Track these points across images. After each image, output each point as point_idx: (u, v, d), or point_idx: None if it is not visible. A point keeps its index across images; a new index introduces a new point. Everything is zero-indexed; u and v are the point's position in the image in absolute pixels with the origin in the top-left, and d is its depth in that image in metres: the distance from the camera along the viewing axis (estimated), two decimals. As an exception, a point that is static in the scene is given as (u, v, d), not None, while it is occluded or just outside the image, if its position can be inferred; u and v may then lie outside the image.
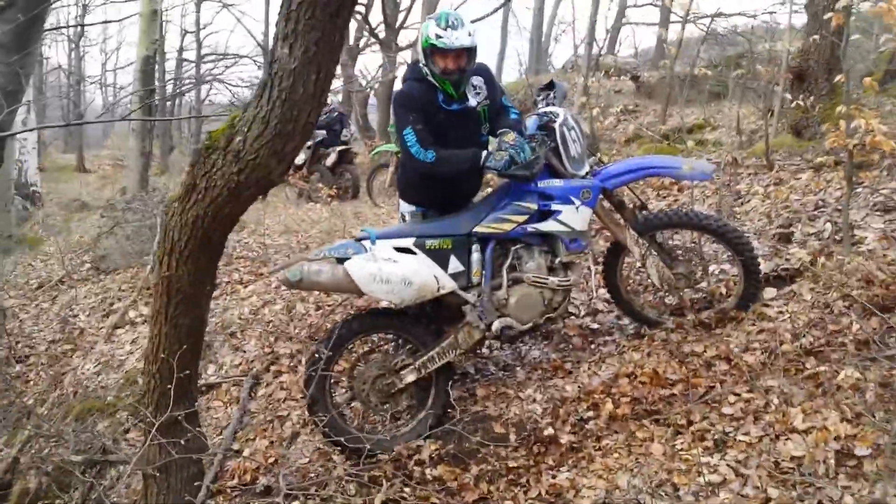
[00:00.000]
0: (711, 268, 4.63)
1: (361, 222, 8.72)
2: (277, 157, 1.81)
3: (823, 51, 6.28)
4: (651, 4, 17.91)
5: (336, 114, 12.11)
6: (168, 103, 21.85)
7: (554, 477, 3.39)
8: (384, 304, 4.15)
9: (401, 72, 19.21)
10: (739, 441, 3.23)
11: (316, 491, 3.61)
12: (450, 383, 4.00)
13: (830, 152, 5.14)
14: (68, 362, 5.83)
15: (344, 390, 4.24)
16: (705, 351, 3.97)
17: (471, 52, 3.87)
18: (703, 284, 4.36)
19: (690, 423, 3.46)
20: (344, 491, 3.58)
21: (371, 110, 19.50)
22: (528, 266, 3.99)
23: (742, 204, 5.68)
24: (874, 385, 3.19)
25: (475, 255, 3.93)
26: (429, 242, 3.87)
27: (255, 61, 25.56)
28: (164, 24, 20.70)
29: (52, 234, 9.20)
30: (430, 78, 3.90)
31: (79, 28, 24.12)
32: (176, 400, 2.17)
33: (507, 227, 3.92)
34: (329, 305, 5.60)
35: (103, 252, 7.70)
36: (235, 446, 4.33)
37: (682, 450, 3.32)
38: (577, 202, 3.92)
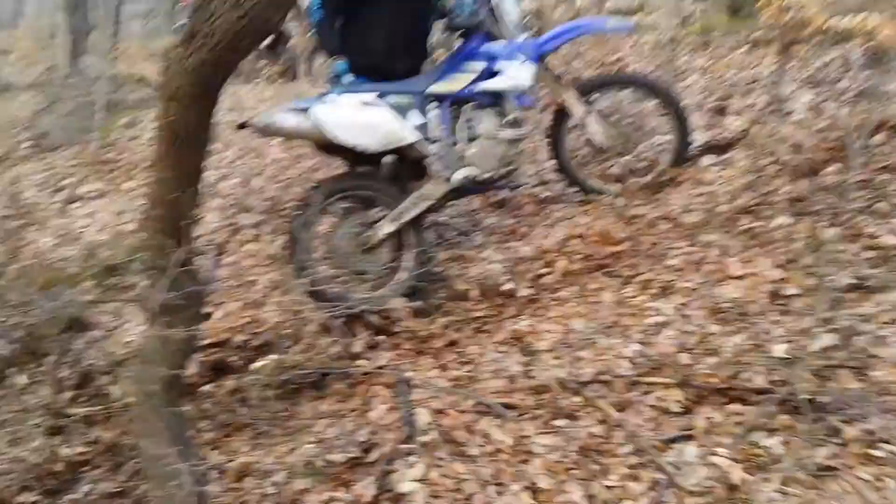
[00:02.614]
0: (654, 139, 4.94)
1: (305, 102, 8.68)
2: (276, 4, 1.93)
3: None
4: None
5: None
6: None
7: (515, 324, 3.70)
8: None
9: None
10: (682, 287, 3.58)
11: (291, 345, 3.86)
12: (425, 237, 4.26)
13: (766, 29, 5.39)
14: (23, 237, 5.82)
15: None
16: (648, 213, 4.30)
17: None
18: (642, 148, 4.67)
19: (637, 274, 3.80)
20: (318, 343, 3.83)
21: (304, -11, 18.88)
22: (479, 123, 4.20)
23: (682, 80, 5.94)
24: (803, 235, 3.55)
25: (432, 113, 4.13)
26: (390, 98, 4.03)
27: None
28: None
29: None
30: None
31: None
32: (179, 242, 2.33)
33: (458, 85, 4.14)
34: (287, 178, 5.72)
35: (44, 129, 7.53)
36: (208, 309, 4.51)
37: (630, 297, 3.66)
38: (521, 58, 4.16)
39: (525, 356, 3.45)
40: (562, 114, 4.57)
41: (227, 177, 5.96)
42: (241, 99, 8.60)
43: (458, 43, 4.35)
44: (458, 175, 4.16)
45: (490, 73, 4.16)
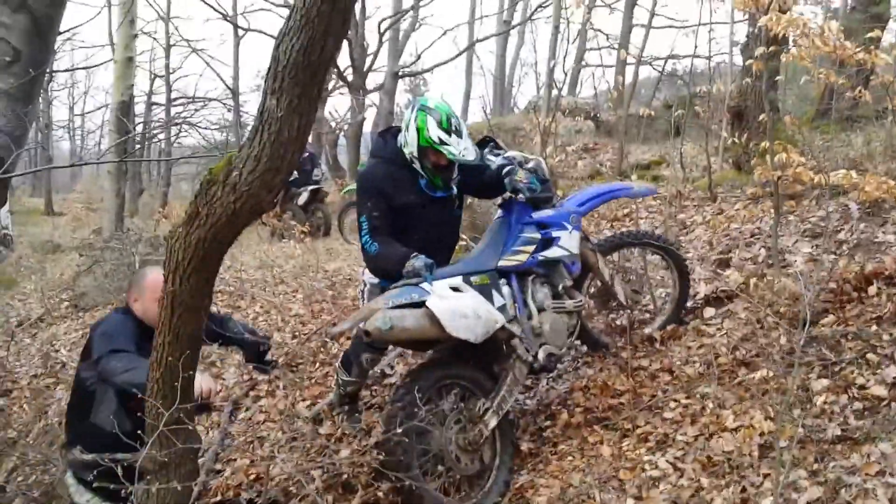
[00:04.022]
0: (658, 291, 5.12)
1: (333, 258, 9.06)
2: (267, 188, 2.18)
3: (759, 91, 6.81)
4: (609, 47, 18.68)
5: (307, 154, 12.16)
6: (138, 147, 22.09)
7: (515, 479, 3.73)
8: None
9: (370, 114, 19.79)
10: (678, 440, 3.61)
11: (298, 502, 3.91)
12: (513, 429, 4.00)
13: (761, 184, 5.62)
14: (52, 395, 6.03)
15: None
16: (651, 364, 4.38)
17: None
18: (648, 303, 4.81)
19: (636, 427, 3.84)
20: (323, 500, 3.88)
21: (340, 151, 20.00)
22: (539, 296, 4.08)
23: (687, 233, 6.15)
24: (795, 387, 3.59)
25: (505, 289, 3.96)
26: (473, 279, 3.83)
27: (224, 104, 25.95)
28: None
29: (29, 274, 9.41)
30: (417, 167, 3.93)
31: (48, 74, 24.24)
32: (177, 401, 2.49)
33: (523, 258, 4.03)
34: (304, 334, 5.92)
35: (82, 290, 7.94)
36: (217, 466, 4.60)
37: (627, 450, 3.69)
38: (570, 227, 4.15)
39: (523, 512, 3.47)
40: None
41: (248, 333, 6.18)
42: (271, 256, 9.03)
43: (498, 212, 4.31)
44: (541, 354, 3.96)
45: (545, 242, 4.09)
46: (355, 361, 4.31)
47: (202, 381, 3.02)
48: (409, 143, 3.90)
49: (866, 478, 2.90)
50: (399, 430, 3.31)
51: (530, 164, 4.18)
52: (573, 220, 4.19)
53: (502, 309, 3.84)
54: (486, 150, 4.39)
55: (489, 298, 3.80)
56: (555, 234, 4.10)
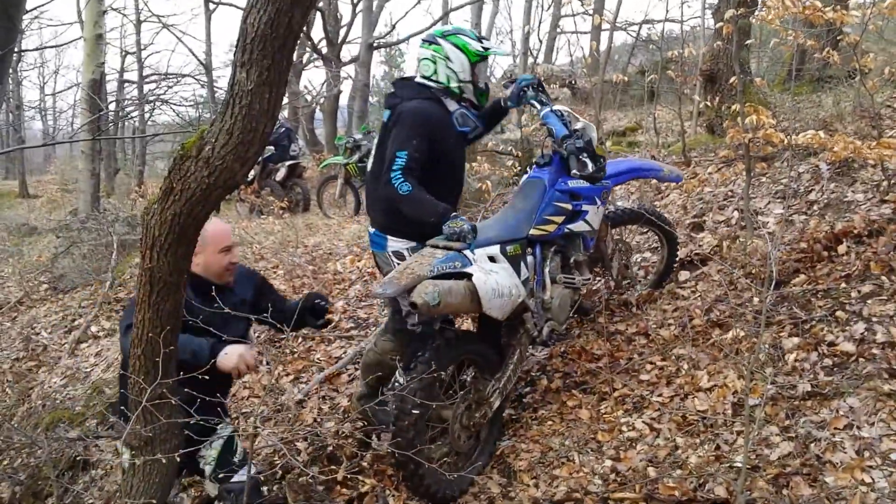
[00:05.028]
0: (635, 256, 5.20)
1: (313, 233, 9.05)
2: (241, 162, 2.19)
3: (730, 54, 6.85)
4: (584, 13, 18.60)
5: (283, 129, 12.08)
6: (112, 125, 21.79)
7: (497, 446, 3.80)
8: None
9: (346, 86, 19.61)
10: (654, 402, 3.70)
11: (284, 474, 3.97)
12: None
13: (733, 147, 5.68)
14: (34, 378, 6.04)
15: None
16: (627, 328, 4.45)
17: None
18: (630, 272, 4.88)
19: (613, 389, 3.91)
20: (308, 472, 3.93)
21: (317, 125, 19.89)
22: (552, 267, 3.96)
23: (662, 198, 6.21)
24: (765, 346, 3.69)
25: (529, 259, 3.82)
26: (508, 248, 3.64)
27: (197, 80, 25.65)
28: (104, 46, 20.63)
29: (6, 258, 9.34)
30: (468, 94, 3.74)
31: (17, 54, 23.82)
32: (159, 376, 2.52)
33: (552, 228, 3.89)
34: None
35: (60, 272, 7.90)
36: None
37: (605, 413, 3.77)
38: (599, 202, 4.05)
39: (504, 477, 3.55)
40: None
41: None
42: (250, 232, 9.01)
43: (533, 169, 4.09)
44: (545, 331, 3.87)
45: (574, 213, 3.95)
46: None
47: (244, 353, 2.90)
48: (457, 70, 3.66)
49: (835, 431, 3.00)
50: (415, 411, 3.21)
51: (578, 125, 3.99)
52: (604, 196, 4.09)
53: (525, 282, 3.69)
54: (531, 91, 4.13)
55: (517, 270, 3.63)
56: (584, 207, 3.97)
